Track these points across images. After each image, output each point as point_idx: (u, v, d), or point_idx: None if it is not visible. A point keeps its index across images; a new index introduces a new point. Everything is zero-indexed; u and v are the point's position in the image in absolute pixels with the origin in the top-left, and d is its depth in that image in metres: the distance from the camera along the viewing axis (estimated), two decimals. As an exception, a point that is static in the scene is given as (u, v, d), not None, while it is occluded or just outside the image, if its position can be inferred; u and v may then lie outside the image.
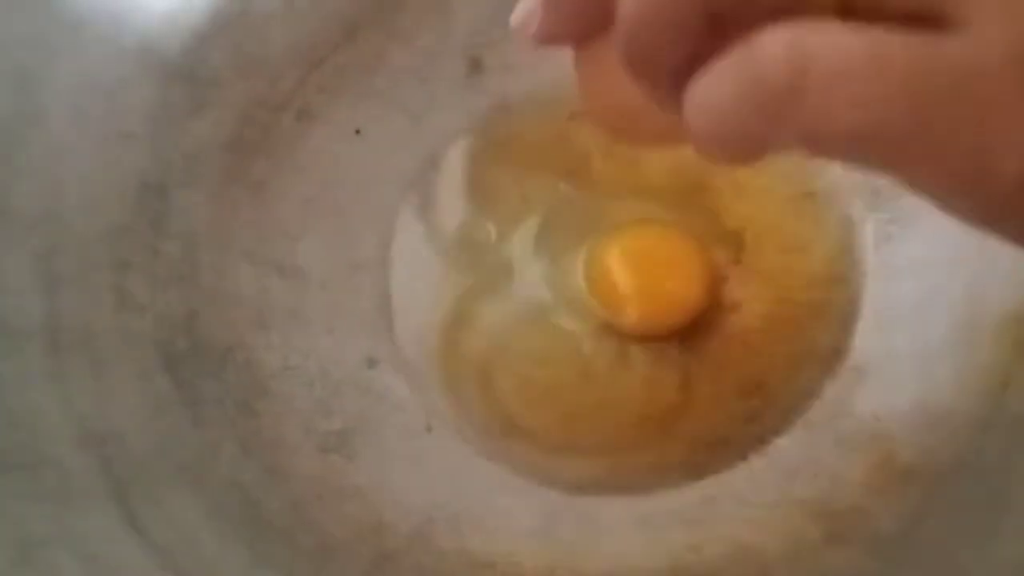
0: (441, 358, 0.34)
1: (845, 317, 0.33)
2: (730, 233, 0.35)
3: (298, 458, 0.30)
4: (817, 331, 0.33)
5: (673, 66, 0.17)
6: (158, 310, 0.31)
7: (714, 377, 0.33)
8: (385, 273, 0.35)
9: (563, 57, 0.35)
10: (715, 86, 0.16)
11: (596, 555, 0.29)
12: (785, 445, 0.31)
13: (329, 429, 0.31)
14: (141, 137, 0.32)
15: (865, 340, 0.32)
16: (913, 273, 0.32)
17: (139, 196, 0.32)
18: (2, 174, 0.30)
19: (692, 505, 0.30)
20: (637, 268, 0.34)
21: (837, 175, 0.34)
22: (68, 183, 0.31)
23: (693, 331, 0.33)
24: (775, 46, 0.15)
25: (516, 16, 0.22)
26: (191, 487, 0.28)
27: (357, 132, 0.35)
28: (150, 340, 0.30)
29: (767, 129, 0.15)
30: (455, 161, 0.36)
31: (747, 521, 0.29)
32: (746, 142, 0.16)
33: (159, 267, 0.31)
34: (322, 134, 0.35)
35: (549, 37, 0.21)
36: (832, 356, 0.32)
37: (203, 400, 0.30)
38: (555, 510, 0.30)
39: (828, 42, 0.14)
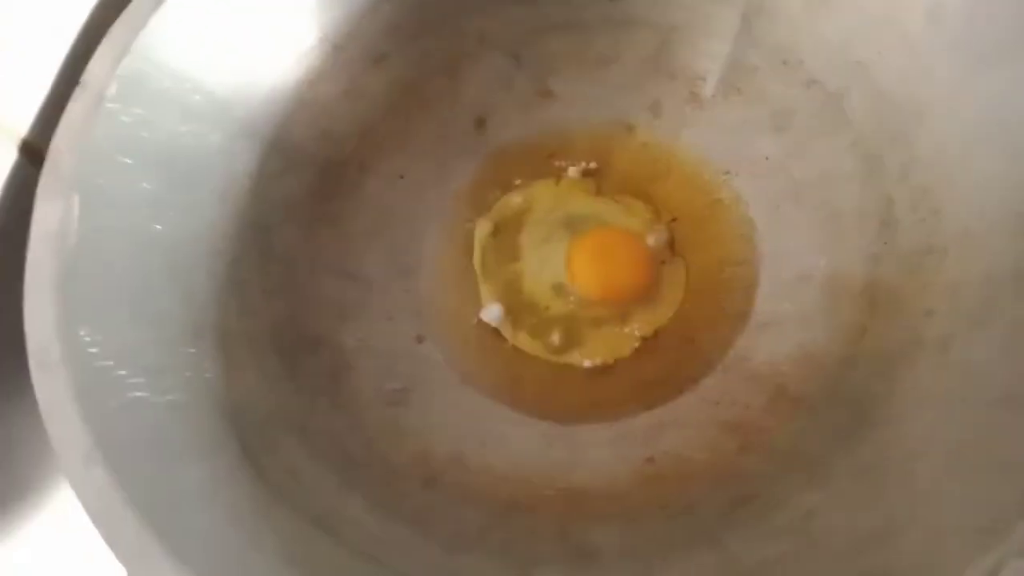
0: (465, 334, 0.33)
1: (748, 289, 0.32)
2: (667, 226, 0.34)
3: (370, 410, 0.30)
4: (729, 299, 0.32)
5: None
6: (269, 313, 0.30)
7: (657, 334, 0.32)
8: (424, 276, 0.34)
9: (544, 118, 0.36)
10: None
11: (581, 467, 0.29)
12: (709, 383, 0.30)
13: (392, 388, 0.31)
14: (249, 191, 0.32)
15: (762, 305, 0.31)
16: (793, 257, 0.32)
17: (251, 233, 0.31)
18: (166, 223, 0.29)
19: (647, 428, 0.30)
20: (600, 258, 0.33)
21: (738, 186, 0.34)
22: (203, 229, 0.31)
23: (641, 301, 0.33)
24: None
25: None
26: (296, 436, 0.28)
27: (401, 177, 0.35)
28: (265, 335, 0.30)
29: None
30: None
31: (685, 438, 0.29)
32: None
33: (268, 283, 0.31)
34: (376, 181, 0.35)
35: None
36: (740, 317, 0.32)
37: (303, 374, 0.30)
38: (550, 436, 0.30)
39: None
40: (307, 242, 0.33)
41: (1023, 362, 0.22)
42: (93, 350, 0.24)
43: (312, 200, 0.33)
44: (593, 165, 0.35)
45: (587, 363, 0.32)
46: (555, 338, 0.32)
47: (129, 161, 0.28)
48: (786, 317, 0.30)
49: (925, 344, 0.25)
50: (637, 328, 0.32)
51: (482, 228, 0.34)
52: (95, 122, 0.27)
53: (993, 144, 0.26)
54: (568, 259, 0.33)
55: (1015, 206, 0.25)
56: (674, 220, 0.34)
